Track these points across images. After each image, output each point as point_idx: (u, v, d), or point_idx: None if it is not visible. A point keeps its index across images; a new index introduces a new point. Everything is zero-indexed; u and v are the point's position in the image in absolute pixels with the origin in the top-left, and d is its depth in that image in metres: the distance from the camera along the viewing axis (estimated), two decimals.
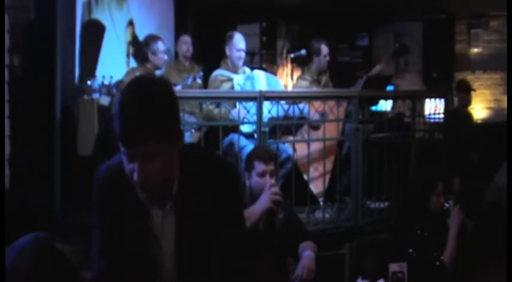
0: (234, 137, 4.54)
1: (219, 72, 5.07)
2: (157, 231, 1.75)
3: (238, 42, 5.09)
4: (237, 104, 4.54)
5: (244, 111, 4.42)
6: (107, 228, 1.82)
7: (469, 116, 7.07)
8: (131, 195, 1.69)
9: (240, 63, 5.13)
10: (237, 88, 4.92)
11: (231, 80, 4.97)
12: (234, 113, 4.52)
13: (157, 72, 5.30)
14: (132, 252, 1.76)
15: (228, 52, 5.08)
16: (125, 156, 1.63)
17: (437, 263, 3.29)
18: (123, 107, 1.58)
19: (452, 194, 3.71)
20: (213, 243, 1.73)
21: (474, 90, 7.01)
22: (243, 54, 5.12)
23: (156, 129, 1.57)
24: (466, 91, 6.88)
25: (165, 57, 5.21)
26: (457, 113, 6.87)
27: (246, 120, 4.44)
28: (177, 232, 1.73)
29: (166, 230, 1.75)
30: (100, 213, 1.86)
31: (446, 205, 3.50)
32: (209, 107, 4.71)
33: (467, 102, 6.93)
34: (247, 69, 5.28)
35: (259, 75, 4.96)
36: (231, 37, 5.09)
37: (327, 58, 5.60)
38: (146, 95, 1.59)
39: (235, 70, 5.09)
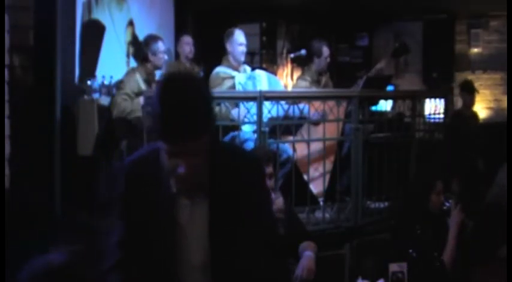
0: (234, 134, 4.55)
1: (221, 70, 5.06)
2: (184, 221, 1.78)
3: (239, 37, 5.10)
4: (240, 104, 4.54)
5: (244, 111, 4.42)
6: (132, 219, 1.82)
7: (472, 117, 6.91)
8: (160, 186, 1.73)
9: (242, 58, 5.13)
10: (239, 87, 4.92)
11: (232, 77, 4.97)
12: (234, 112, 4.51)
13: (158, 73, 5.29)
14: (156, 242, 1.78)
15: (229, 48, 5.08)
16: (165, 153, 1.65)
17: (438, 263, 3.29)
18: (165, 106, 1.60)
19: (453, 193, 3.69)
20: (242, 236, 1.77)
21: (477, 91, 6.88)
22: (244, 49, 5.13)
23: (199, 127, 1.62)
24: (469, 92, 6.74)
25: (165, 57, 5.20)
26: (460, 114, 6.74)
27: (246, 120, 4.44)
28: (210, 222, 1.77)
29: (193, 220, 1.78)
30: (124, 204, 1.85)
31: (447, 204, 3.50)
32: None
33: (471, 103, 6.78)
34: (247, 68, 5.29)
35: (261, 75, 4.96)
36: (231, 33, 5.11)
37: (328, 60, 5.60)
38: (188, 94, 1.63)
39: (236, 67, 5.08)
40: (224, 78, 4.98)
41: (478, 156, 6.48)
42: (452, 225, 3.43)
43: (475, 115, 6.94)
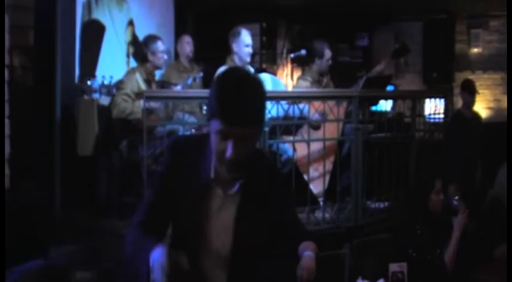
0: None
1: None
2: (214, 210, 1.86)
3: (246, 38, 5.08)
4: None
5: None
6: (166, 193, 1.88)
7: (474, 118, 6.51)
8: (199, 170, 1.84)
9: (248, 59, 5.12)
10: None
11: None
12: None
13: (157, 72, 5.29)
14: (183, 223, 1.87)
15: (235, 48, 5.06)
16: (220, 135, 1.73)
17: (439, 262, 3.29)
18: (228, 89, 1.72)
19: (458, 192, 3.67)
20: (266, 235, 1.90)
21: (478, 92, 6.53)
22: (250, 50, 5.11)
23: (257, 112, 1.74)
24: (470, 92, 6.41)
25: (165, 56, 5.19)
26: (460, 114, 6.47)
27: None
28: (237, 216, 1.86)
29: (223, 210, 1.87)
30: (164, 176, 1.92)
31: (454, 203, 3.49)
32: None
33: (471, 103, 6.45)
34: (251, 69, 5.28)
35: (266, 79, 4.95)
36: (238, 33, 5.08)
37: (330, 62, 5.60)
38: (250, 82, 1.76)
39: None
40: None
41: (479, 158, 6.25)
42: (456, 226, 3.44)
43: (476, 116, 6.63)
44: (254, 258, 1.89)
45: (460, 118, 6.39)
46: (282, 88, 5.32)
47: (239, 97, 1.70)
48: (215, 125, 1.73)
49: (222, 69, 5.02)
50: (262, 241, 1.89)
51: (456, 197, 3.52)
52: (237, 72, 1.83)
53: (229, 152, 1.73)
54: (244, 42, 5.07)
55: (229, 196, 1.86)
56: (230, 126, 1.71)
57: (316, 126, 4.72)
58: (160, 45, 5.05)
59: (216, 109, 1.71)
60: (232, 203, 1.87)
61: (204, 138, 1.86)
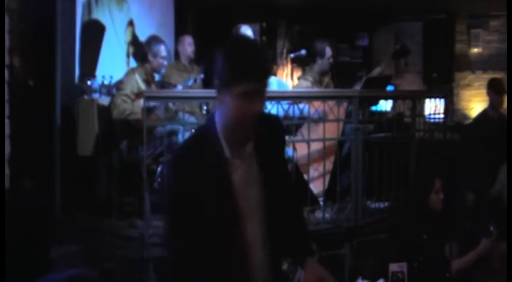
0: None
1: None
2: (238, 180, 1.96)
3: (246, 33, 5.07)
4: None
5: None
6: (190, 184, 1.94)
7: (500, 119, 5.65)
8: (214, 158, 1.93)
9: None
10: None
11: None
12: None
13: (156, 76, 5.25)
14: (214, 203, 1.93)
15: None
16: (242, 96, 1.83)
17: (447, 273, 3.32)
18: (243, 50, 1.88)
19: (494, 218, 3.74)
20: (281, 186, 2.06)
21: (505, 91, 5.69)
22: None
23: (269, 65, 2.00)
24: (496, 91, 5.65)
25: (165, 63, 5.14)
26: (486, 115, 5.73)
27: None
28: (261, 178, 1.98)
29: (246, 179, 1.97)
30: (183, 193, 1.96)
31: (491, 228, 3.56)
32: None
33: (498, 103, 5.66)
34: None
35: (271, 82, 4.93)
36: (238, 30, 5.10)
37: (331, 60, 5.59)
38: (252, 40, 2.15)
39: None
40: None
41: (502, 166, 5.06)
42: (483, 246, 3.52)
43: (502, 117, 5.72)
44: (281, 208, 2.02)
45: (485, 119, 5.72)
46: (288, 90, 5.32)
47: (254, 54, 1.87)
48: (236, 89, 1.83)
49: None
50: (282, 191, 2.04)
51: (493, 224, 3.57)
52: (239, 37, 2.17)
53: (256, 107, 1.87)
54: None
55: (247, 159, 1.97)
56: (253, 82, 1.84)
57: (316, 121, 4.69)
58: (162, 50, 4.98)
59: (237, 71, 1.83)
60: (251, 164, 1.98)
61: (201, 132, 2.06)
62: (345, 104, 4.74)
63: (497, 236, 3.52)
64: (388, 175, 4.81)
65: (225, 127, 1.92)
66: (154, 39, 5.10)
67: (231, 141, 1.93)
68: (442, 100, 6.21)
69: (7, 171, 4.12)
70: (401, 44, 7.05)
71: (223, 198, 1.93)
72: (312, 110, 4.70)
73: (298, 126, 4.71)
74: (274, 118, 2.25)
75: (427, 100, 6.08)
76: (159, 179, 4.76)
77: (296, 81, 6.18)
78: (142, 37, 5.88)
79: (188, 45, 5.93)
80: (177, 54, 6.14)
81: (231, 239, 1.94)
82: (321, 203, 4.69)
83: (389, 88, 6.90)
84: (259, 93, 1.87)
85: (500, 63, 8.29)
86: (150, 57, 4.96)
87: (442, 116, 5.92)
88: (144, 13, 6.55)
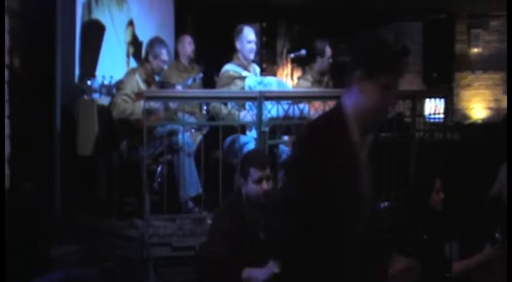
0: (235, 136, 4.54)
1: (230, 68, 4.97)
2: (363, 161, 2.19)
3: (249, 34, 5.03)
4: (246, 105, 4.52)
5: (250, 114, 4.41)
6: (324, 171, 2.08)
7: None
8: (345, 135, 2.11)
9: (252, 56, 5.06)
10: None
11: (242, 78, 4.91)
12: (242, 115, 4.48)
13: (156, 78, 5.24)
14: (347, 185, 2.12)
15: (239, 46, 5.01)
16: (384, 87, 2.10)
17: (448, 274, 3.32)
18: (385, 46, 2.17)
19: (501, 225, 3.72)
20: None
21: None
22: (254, 46, 5.06)
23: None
24: None
25: (165, 66, 5.13)
26: None
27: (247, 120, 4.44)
28: (369, 160, 2.23)
29: (364, 160, 2.21)
30: (317, 162, 2.09)
31: (497, 235, 3.51)
32: (221, 106, 4.65)
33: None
34: (256, 67, 5.26)
35: (272, 83, 4.92)
36: (240, 30, 5.03)
37: (331, 60, 5.59)
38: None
39: (246, 65, 5.01)
40: (234, 78, 4.90)
41: (502, 166, 5.08)
42: (487, 251, 3.46)
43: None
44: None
45: None
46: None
47: (393, 51, 2.16)
48: (383, 80, 2.10)
49: (226, 67, 5.01)
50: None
51: (499, 230, 3.55)
52: (381, 37, 2.32)
53: (392, 98, 2.17)
54: (247, 38, 5.02)
55: (365, 146, 2.20)
56: (397, 75, 2.13)
57: None
58: (164, 53, 4.95)
59: (388, 66, 2.11)
60: (366, 152, 2.22)
61: (326, 117, 2.27)
62: None
63: (503, 243, 3.50)
64: (388, 175, 4.80)
65: (359, 113, 2.12)
66: (157, 41, 5.06)
67: (361, 127, 2.13)
68: (442, 100, 6.22)
69: (7, 171, 4.12)
70: (401, 44, 7.04)
71: (350, 178, 2.12)
72: (312, 110, 4.70)
73: (298, 126, 4.70)
74: None
75: (427, 100, 6.08)
76: (159, 179, 4.77)
77: (296, 81, 6.17)
78: (142, 37, 5.89)
79: (188, 45, 5.92)
80: (176, 55, 6.14)
81: (350, 214, 2.14)
82: None
83: None
84: (396, 86, 2.13)
85: (500, 63, 8.31)
86: (151, 58, 4.95)
87: (442, 116, 5.92)
88: (144, 13, 6.56)
